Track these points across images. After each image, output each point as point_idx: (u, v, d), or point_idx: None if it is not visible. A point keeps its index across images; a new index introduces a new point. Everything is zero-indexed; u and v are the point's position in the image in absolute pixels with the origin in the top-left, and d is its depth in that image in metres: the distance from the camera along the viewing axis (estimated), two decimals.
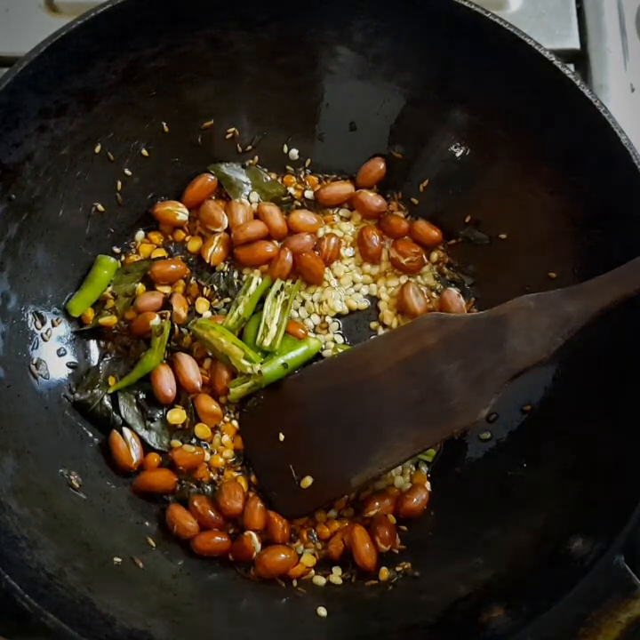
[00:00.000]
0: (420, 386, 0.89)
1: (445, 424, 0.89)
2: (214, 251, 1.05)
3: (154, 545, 0.94)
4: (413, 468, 1.01)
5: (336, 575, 0.95)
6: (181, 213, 1.06)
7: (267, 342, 1.00)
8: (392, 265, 1.07)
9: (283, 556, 0.94)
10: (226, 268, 1.06)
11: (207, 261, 1.05)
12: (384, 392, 0.92)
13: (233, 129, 1.06)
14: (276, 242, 1.06)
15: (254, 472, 0.99)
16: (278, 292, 1.03)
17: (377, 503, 0.97)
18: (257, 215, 1.08)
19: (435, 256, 1.08)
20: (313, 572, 0.96)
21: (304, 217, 1.07)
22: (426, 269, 1.08)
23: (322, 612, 0.91)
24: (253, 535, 0.94)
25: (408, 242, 1.07)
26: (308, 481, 0.95)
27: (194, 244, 1.07)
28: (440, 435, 0.90)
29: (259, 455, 0.99)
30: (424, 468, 1.01)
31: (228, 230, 1.06)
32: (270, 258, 1.05)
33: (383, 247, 1.07)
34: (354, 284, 1.08)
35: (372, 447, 0.92)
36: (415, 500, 0.97)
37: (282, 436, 0.97)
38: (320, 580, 0.95)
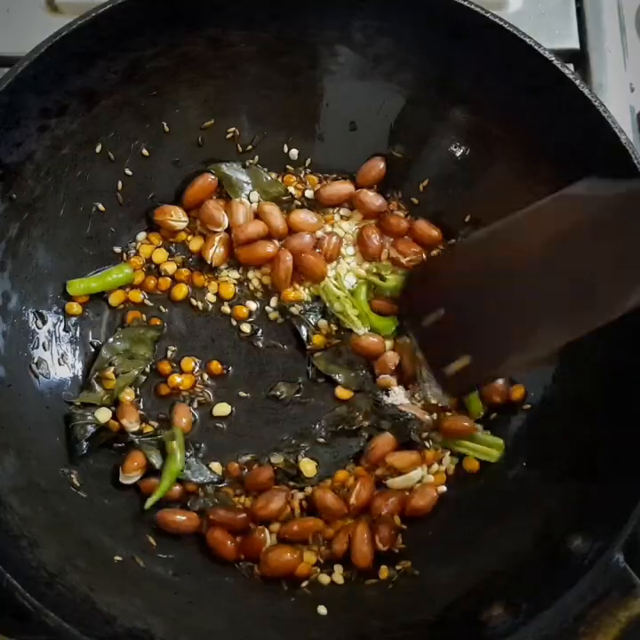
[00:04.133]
0: (571, 269, 0.78)
1: (599, 310, 0.78)
2: (215, 251, 1.05)
3: (154, 543, 0.94)
4: (437, 465, 1.01)
5: (338, 574, 0.95)
6: (180, 223, 1.06)
7: None
8: (392, 264, 1.07)
9: (288, 555, 0.93)
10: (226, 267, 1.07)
11: (208, 262, 1.05)
12: (534, 272, 0.81)
13: (233, 129, 1.06)
14: (276, 241, 1.06)
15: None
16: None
17: (387, 502, 0.96)
18: (257, 215, 1.07)
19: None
20: (318, 570, 0.95)
21: (304, 216, 1.07)
22: None
23: (322, 610, 0.91)
24: (266, 530, 0.95)
25: (408, 241, 1.07)
26: (465, 360, 0.89)
27: (195, 244, 1.07)
28: (597, 320, 0.79)
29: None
30: (452, 466, 1.01)
31: (228, 230, 1.06)
32: (271, 258, 1.05)
33: (383, 246, 1.07)
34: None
35: (525, 330, 0.83)
36: (422, 500, 0.97)
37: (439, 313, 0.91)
38: (325, 579, 0.95)
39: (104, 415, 0.99)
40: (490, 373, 0.91)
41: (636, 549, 0.88)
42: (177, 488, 0.97)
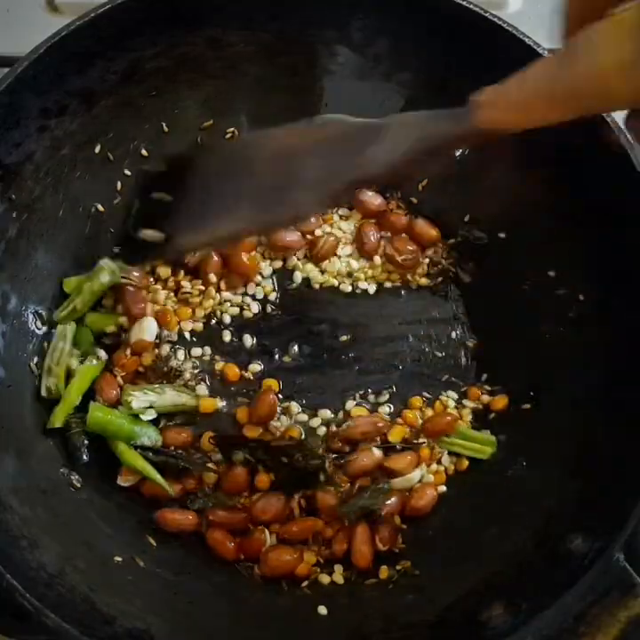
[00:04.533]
0: (282, 174, 0.83)
1: (282, 212, 0.85)
2: (194, 255, 1.05)
3: (154, 544, 0.94)
4: (437, 465, 1.01)
5: (338, 574, 0.95)
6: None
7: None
8: (387, 260, 1.07)
9: (288, 556, 0.94)
10: None
11: (185, 262, 1.05)
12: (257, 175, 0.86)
13: (232, 129, 1.06)
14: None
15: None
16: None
17: (387, 502, 0.96)
18: None
19: (431, 252, 1.08)
20: (318, 570, 0.95)
21: None
22: (420, 270, 1.08)
23: (322, 610, 0.91)
24: (266, 530, 0.95)
25: (405, 239, 1.07)
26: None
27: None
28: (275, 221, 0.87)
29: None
30: (451, 466, 1.01)
31: None
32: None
33: (380, 243, 1.07)
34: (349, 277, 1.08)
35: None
36: (422, 500, 0.97)
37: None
38: (325, 579, 0.95)
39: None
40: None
41: (636, 549, 0.88)
42: (177, 487, 0.97)
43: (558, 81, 0.61)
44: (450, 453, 1.01)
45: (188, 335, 1.03)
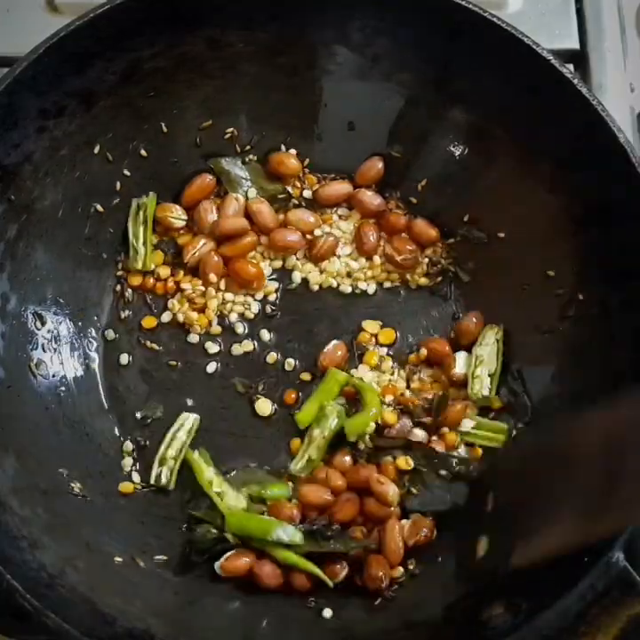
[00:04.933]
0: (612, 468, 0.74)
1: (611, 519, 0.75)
2: (194, 254, 1.05)
3: (154, 544, 0.94)
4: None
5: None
6: (179, 220, 1.06)
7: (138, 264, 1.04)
8: (386, 260, 1.07)
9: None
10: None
11: (185, 261, 1.05)
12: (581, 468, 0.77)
13: (231, 129, 1.06)
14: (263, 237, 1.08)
15: None
16: (137, 212, 1.04)
17: None
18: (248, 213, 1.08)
19: (430, 252, 1.08)
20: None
21: (302, 215, 1.07)
22: (420, 270, 1.08)
23: (326, 613, 0.91)
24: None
25: (405, 239, 1.07)
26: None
27: (182, 239, 1.07)
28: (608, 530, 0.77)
29: None
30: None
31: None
32: (251, 247, 1.07)
33: (379, 243, 1.07)
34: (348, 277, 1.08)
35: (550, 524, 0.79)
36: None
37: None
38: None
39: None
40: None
41: (636, 548, 0.88)
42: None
43: None
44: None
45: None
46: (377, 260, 1.07)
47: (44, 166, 0.96)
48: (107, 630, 0.82)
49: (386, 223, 1.07)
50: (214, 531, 0.94)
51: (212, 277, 1.04)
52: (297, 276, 1.07)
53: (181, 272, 1.06)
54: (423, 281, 1.07)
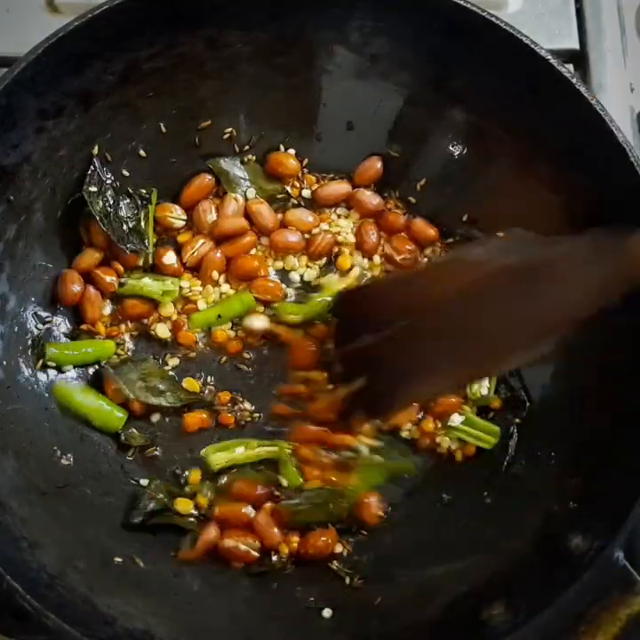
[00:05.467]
0: (473, 320, 0.82)
1: (485, 364, 0.84)
2: (192, 254, 1.05)
3: (154, 544, 0.94)
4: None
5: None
6: (178, 220, 1.06)
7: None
8: (385, 260, 1.07)
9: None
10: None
11: (183, 261, 1.06)
12: (443, 317, 0.84)
13: (230, 129, 1.06)
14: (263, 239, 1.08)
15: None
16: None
17: None
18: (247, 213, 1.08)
19: (429, 251, 1.08)
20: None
21: (300, 215, 1.08)
22: None
23: (326, 613, 0.91)
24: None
25: (404, 239, 1.07)
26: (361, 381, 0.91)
27: (181, 238, 1.07)
28: (483, 373, 0.87)
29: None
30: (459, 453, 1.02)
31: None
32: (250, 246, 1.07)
33: (380, 243, 1.07)
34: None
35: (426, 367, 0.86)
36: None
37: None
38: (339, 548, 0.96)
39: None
40: (384, 400, 0.92)
41: (636, 547, 0.89)
42: None
43: None
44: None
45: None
46: (377, 259, 1.07)
47: (42, 167, 0.96)
48: (107, 630, 0.82)
49: (385, 223, 1.08)
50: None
51: (214, 275, 1.05)
52: (295, 277, 1.07)
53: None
54: None
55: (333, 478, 0.98)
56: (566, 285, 0.77)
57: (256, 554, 0.95)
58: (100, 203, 1.00)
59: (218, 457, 0.99)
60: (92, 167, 0.99)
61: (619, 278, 0.76)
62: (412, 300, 0.86)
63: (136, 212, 1.03)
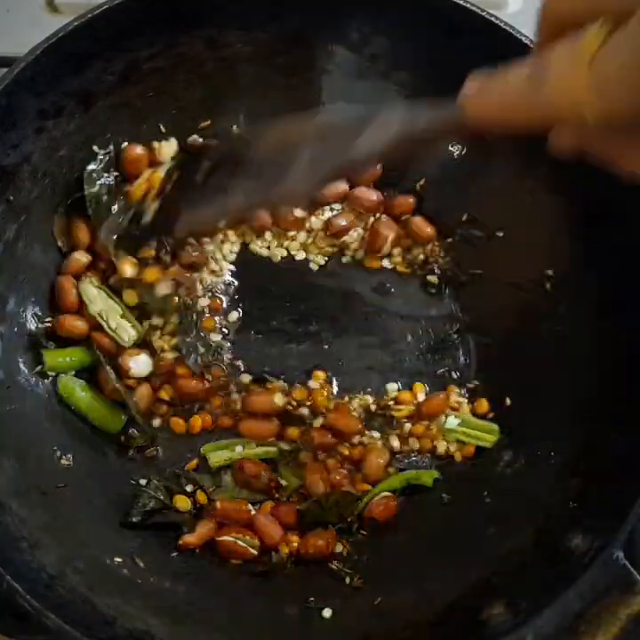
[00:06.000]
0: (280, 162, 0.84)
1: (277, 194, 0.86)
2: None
3: (155, 544, 0.94)
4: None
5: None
6: None
7: None
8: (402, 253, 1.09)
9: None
10: None
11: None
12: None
13: (233, 127, 1.06)
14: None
15: None
16: None
17: None
18: None
19: (428, 250, 1.08)
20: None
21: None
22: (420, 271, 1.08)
23: (326, 613, 0.91)
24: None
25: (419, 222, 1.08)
26: None
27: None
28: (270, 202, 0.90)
29: None
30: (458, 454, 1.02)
31: None
32: None
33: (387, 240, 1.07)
34: None
35: None
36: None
37: None
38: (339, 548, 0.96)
39: (184, 504, 0.98)
40: None
41: (636, 547, 0.89)
42: None
43: (530, 97, 0.61)
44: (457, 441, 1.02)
45: None
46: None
47: (42, 167, 0.96)
48: (107, 630, 0.82)
49: (391, 209, 1.08)
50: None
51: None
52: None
53: None
54: (432, 279, 1.08)
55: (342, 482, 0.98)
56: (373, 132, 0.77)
57: (254, 551, 0.95)
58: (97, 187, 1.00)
59: (218, 455, 0.99)
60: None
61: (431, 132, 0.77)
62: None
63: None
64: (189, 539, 0.94)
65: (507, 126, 0.66)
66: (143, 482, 0.98)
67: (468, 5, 0.92)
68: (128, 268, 1.00)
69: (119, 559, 0.91)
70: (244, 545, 0.94)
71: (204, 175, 0.91)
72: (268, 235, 1.08)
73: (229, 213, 0.93)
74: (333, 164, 0.80)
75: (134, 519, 0.95)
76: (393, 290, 1.07)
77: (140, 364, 1.00)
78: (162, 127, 1.03)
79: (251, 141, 0.89)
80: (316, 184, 0.85)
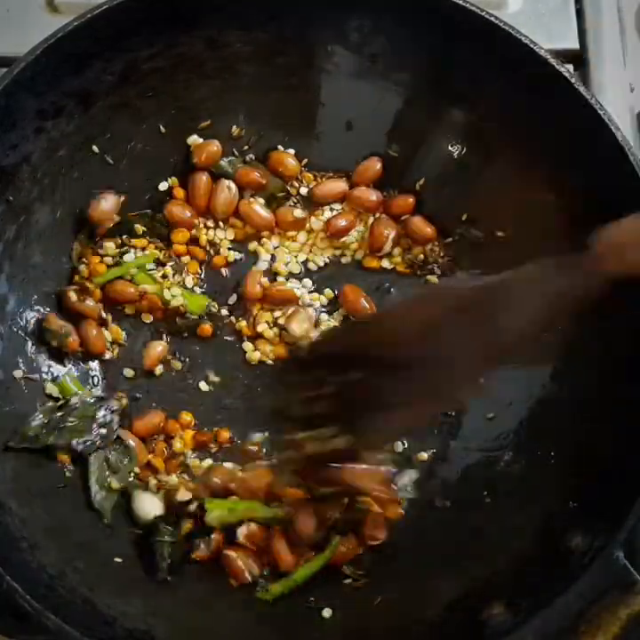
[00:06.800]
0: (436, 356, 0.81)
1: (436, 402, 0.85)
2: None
3: (155, 544, 0.94)
4: None
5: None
6: None
7: None
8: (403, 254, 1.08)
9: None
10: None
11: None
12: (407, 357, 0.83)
13: (230, 129, 1.06)
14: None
15: None
16: None
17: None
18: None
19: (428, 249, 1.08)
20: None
21: (292, 210, 1.08)
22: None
23: (326, 613, 0.91)
24: None
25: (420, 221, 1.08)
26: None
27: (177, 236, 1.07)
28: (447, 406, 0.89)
29: None
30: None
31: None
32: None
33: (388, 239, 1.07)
34: None
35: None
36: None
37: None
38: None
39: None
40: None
41: (636, 547, 0.89)
42: None
43: None
44: None
45: None
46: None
47: (42, 167, 0.96)
48: (107, 631, 0.82)
49: (390, 209, 1.08)
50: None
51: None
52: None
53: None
54: (432, 278, 1.08)
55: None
56: (523, 306, 0.77)
57: (249, 579, 0.93)
58: None
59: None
60: None
61: (576, 291, 0.76)
62: (379, 339, 0.85)
63: None
64: (201, 553, 0.93)
65: None
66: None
67: (468, 5, 0.92)
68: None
69: (119, 560, 0.91)
70: (242, 567, 0.93)
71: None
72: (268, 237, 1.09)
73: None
74: (487, 351, 0.78)
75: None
76: (393, 290, 1.07)
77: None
78: (162, 127, 1.03)
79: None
80: (476, 378, 0.83)
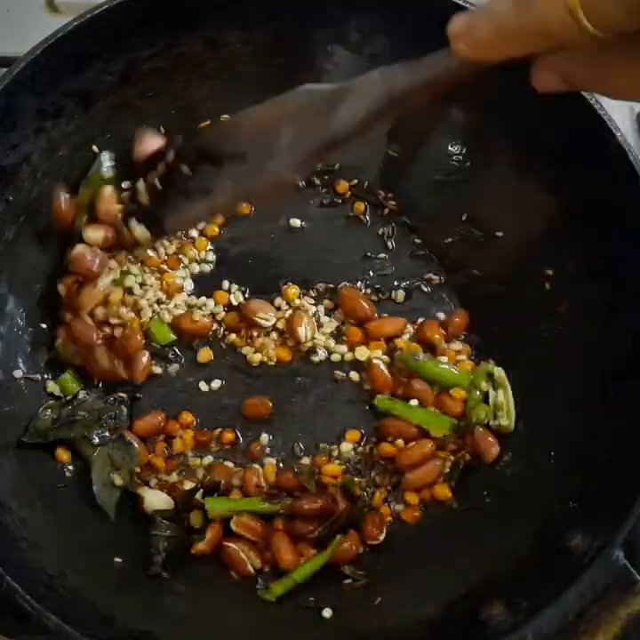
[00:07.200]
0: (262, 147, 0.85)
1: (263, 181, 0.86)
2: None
3: (155, 544, 0.94)
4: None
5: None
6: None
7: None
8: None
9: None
10: None
11: None
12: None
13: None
14: None
15: None
16: None
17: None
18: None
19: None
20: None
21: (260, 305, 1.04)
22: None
23: (326, 613, 0.91)
24: None
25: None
26: None
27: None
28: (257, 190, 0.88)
29: None
30: None
31: None
32: None
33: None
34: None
35: None
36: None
37: None
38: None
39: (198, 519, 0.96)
40: None
41: (636, 547, 0.88)
42: None
43: (520, 20, 0.60)
44: None
45: None
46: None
47: (42, 167, 0.96)
48: (107, 631, 0.82)
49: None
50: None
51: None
52: None
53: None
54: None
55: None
56: (354, 101, 0.77)
57: (252, 570, 0.93)
58: None
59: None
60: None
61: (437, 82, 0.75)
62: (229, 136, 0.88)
63: None
64: (201, 546, 0.93)
65: (499, 56, 0.65)
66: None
67: (468, 6, 0.92)
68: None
69: (119, 560, 0.91)
70: (245, 559, 0.93)
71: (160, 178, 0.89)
72: None
73: (216, 210, 0.94)
74: (316, 141, 0.80)
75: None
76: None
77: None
78: (161, 127, 1.03)
79: (223, 132, 0.90)
80: (302, 166, 0.84)
